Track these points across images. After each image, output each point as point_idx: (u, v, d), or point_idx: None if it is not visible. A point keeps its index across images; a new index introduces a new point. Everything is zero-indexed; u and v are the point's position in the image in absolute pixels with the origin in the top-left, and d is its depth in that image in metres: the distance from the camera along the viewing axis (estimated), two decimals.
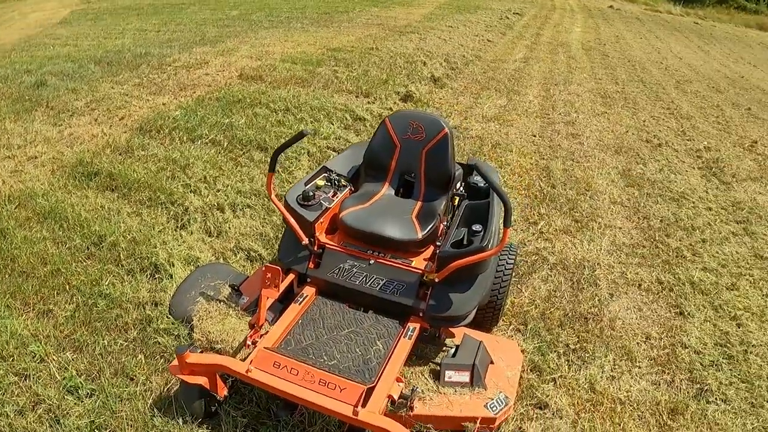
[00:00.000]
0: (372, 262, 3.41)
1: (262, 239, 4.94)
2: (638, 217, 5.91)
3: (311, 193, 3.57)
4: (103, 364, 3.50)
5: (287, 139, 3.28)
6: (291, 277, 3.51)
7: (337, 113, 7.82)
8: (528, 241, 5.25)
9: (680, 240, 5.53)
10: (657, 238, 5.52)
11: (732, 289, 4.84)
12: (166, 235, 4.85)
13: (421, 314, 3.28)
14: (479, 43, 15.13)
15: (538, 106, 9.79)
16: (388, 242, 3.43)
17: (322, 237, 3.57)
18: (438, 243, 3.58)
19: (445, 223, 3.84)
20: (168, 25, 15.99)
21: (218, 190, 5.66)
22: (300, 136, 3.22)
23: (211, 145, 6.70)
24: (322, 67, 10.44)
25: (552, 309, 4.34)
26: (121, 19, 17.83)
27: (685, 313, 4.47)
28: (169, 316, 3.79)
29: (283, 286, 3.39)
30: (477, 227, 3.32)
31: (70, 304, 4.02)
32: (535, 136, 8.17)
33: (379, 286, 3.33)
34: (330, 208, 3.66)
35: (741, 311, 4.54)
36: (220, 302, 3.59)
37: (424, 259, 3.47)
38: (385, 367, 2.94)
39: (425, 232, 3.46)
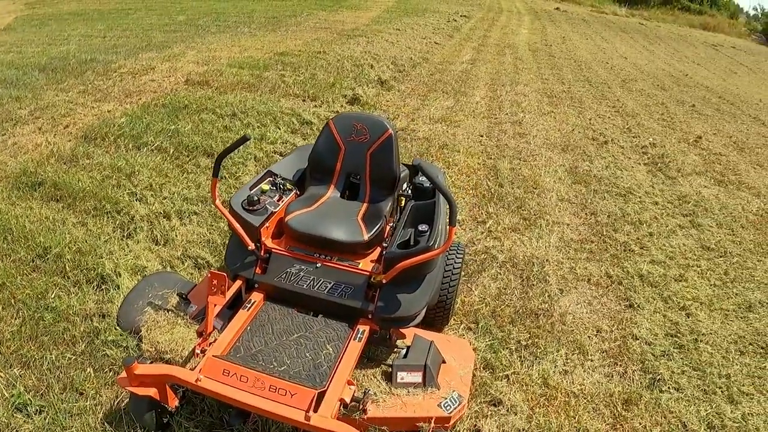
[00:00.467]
0: (319, 265, 3.35)
1: (209, 246, 4.82)
2: (586, 213, 5.94)
3: (256, 198, 3.49)
4: (52, 379, 3.40)
5: (230, 144, 3.18)
6: (238, 283, 3.42)
7: (284, 117, 7.70)
8: (477, 240, 5.22)
9: (628, 234, 5.58)
10: (605, 233, 5.55)
11: (680, 281, 4.90)
12: (112, 245, 4.71)
13: (370, 316, 3.22)
14: (426, 45, 15.18)
15: (485, 106, 9.82)
16: (334, 245, 3.37)
17: (269, 242, 3.49)
18: (384, 244, 3.53)
19: (392, 224, 3.80)
20: (114, 31, 15.63)
21: (164, 198, 5.51)
22: (243, 140, 3.16)
23: (157, 152, 6.53)
24: (269, 71, 10.30)
25: (502, 306, 4.30)
26: (66, 24, 17.36)
27: (635, 306, 4.51)
28: (117, 327, 3.68)
29: (230, 292, 3.30)
30: (423, 227, 3.27)
31: (15, 318, 3.88)
32: (482, 136, 8.17)
33: (327, 290, 3.27)
34: (275, 212, 3.58)
35: (690, 301, 4.60)
36: (168, 311, 3.46)
37: (371, 261, 3.41)
38: (335, 371, 2.88)
39: (371, 233, 3.41)
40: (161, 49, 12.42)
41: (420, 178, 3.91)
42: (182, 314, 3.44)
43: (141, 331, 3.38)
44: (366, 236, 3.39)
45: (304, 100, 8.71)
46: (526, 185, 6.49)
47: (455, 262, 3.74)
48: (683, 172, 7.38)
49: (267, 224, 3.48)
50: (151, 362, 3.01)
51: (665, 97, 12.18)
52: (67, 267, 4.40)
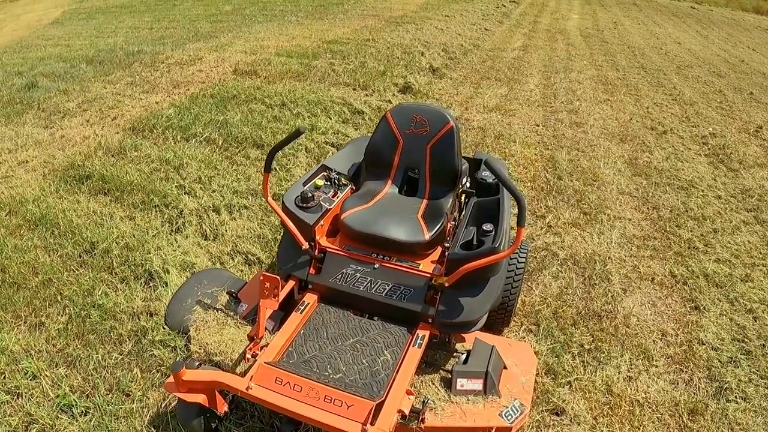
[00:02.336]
0: (377, 266, 3.22)
1: (259, 241, 4.76)
2: (647, 208, 5.75)
3: (310, 194, 3.36)
4: (98, 379, 3.35)
5: (283, 137, 3.08)
6: (291, 283, 3.30)
7: (334, 107, 7.63)
8: (536, 235, 5.08)
9: (691, 230, 5.38)
10: (668, 229, 5.36)
11: (746, 281, 4.69)
12: (160, 240, 4.67)
13: (430, 320, 3.08)
14: (477, 32, 14.92)
15: (540, 94, 9.60)
16: (393, 245, 3.23)
17: (323, 240, 3.37)
18: (446, 244, 3.39)
19: (453, 222, 3.65)
20: (161, 22, 15.79)
21: (213, 191, 5.47)
22: (297, 134, 3.00)
23: (206, 143, 6.53)
24: (318, 60, 10.24)
25: (564, 307, 4.18)
26: (113, 17, 17.62)
27: (701, 308, 4.32)
28: (165, 326, 3.60)
29: (283, 293, 3.18)
30: (488, 226, 3.11)
31: (62, 315, 3.85)
32: (538, 125, 7.99)
33: (385, 292, 3.13)
34: (330, 209, 3.46)
35: (757, 303, 4.39)
36: (217, 311, 3.42)
37: (432, 262, 3.27)
38: (394, 380, 2.76)
39: (433, 233, 3.27)
40: (208, 39, 12.49)
41: (483, 173, 3.70)
42: (232, 314, 3.41)
43: (189, 331, 3.35)
44: (427, 236, 3.24)
45: (354, 89, 8.62)
46: (585, 177, 6.31)
47: (519, 263, 3.60)
48: (745, 164, 7.09)
49: (322, 222, 3.36)
50: (200, 365, 2.93)
51: (722, 84, 11.73)
52: (114, 263, 4.37)
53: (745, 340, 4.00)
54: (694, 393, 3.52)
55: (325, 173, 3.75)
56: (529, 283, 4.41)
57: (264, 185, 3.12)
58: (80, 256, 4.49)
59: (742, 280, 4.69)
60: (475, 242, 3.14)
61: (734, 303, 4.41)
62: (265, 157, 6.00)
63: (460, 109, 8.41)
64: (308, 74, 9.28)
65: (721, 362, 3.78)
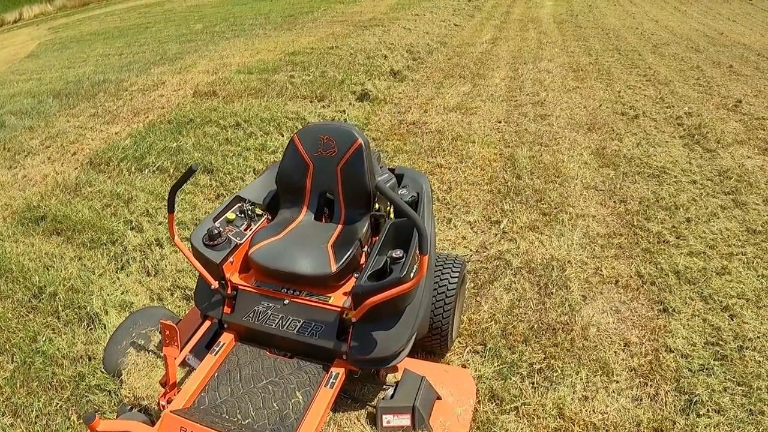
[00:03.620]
0: (287, 302, 3.00)
1: (197, 275, 4.46)
2: (614, 201, 5.39)
3: (217, 231, 3.13)
4: (39, 428, 3.33)
5: (180, 177, 2.81)
6: (208, 323, 3.17)
7: (287, 123, 7.34)
8: (489, 243, 4.73)
9: (662, 222, 5.01)
10: (636, 224, 5.00)
11: (723, 274, 4.30)
12: (104, 280, 4.62)
13: (344, 357, 2.84)
14: (445, 28, 14.61)
15: (505, 88, 9.23)
16: (300, 278, 3.01)
17: (235, 278, 3.15)
18: (357, 275, 3.10)
19: (367, 248, 3.34)
20: (131, 47, 15.74)
21: (159, 224, 5.35)
22: (190, 172, 2.77)
23: (158, 172, 6.40)
24: (278, 73, 9.97)
25: (515, 322, 3.84)
26: (86, 45, 17.58)
27: (670, 310, 3.95)
28: (103, 370, 3.57)
29: (201, 332, 3.13)
30: (398, 253, 2.82)
31: (10, 363, 3.85)
32: (500, 122, 7.62)
33: (297, 329, 2.91)
34: (241, 244, 3.22)
35: (734, 299, 4.00)
36: (149, 352, 3.31)
37: (344, 294, 3.01)
38: (302, 424, 2.55)
39: (340, 263, 2.99)
40: (173, 61, 12.33)
41: (401, 191, 3.42)
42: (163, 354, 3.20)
43: (122, 374, 3.26)
44: (334, 267, 2.98)
45: (311, 101, 8.33)
46: (546, 174, 5.94)
47: (450, 282, 3.29)
48: (723, 143, 6.69)
49: (231, 258, 3.13)
50: (132, 409, 2.93)
51: (700, 59, 11.34)
52: (59, 306, 4.34)
53: (720, 342, 3.63)
54: (659, 409, 3.18)
55: (240, 204, 3.49)
56: (477, 299, 4.07)
57: (170, 226, 3.00)
58: (29, 301, 4.49)
59: (717, 274, 4.30)
60: (388, 269, 2.82)
61: (708, 300, 4.03)
62: (214, 182, 5.85)
63: (419, 111, 8.06)
64: (266, 90, 8.99)
65: (691, 371, 3.42)
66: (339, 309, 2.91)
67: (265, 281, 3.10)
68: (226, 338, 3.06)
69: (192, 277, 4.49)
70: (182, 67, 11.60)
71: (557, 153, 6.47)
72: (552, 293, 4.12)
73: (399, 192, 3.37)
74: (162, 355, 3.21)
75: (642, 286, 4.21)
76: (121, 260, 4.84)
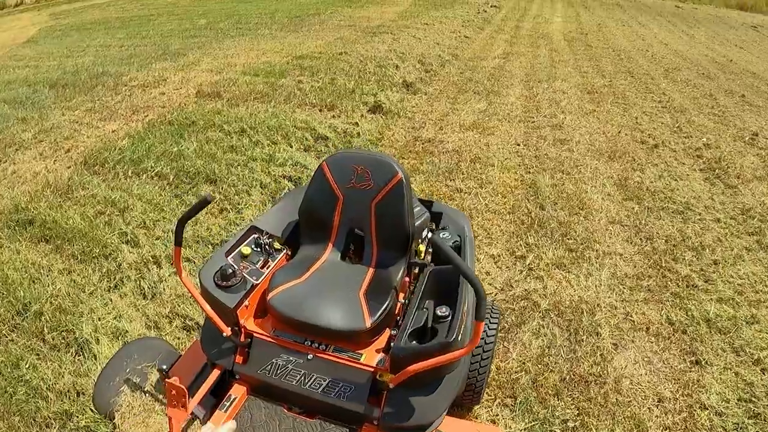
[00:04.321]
0: (311, 356, 2.61)
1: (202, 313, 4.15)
2: (640, 239, 5.15)
3: (231, 270, 2.72)
4: None
5: (191, 206, 2.45)
6: (217, 372, 2.74)
7: (296, 132, 7.01)
8: (515, 281, 4.47)
9: (690, 264, 4.79)
10: (663, 264, 4.77)
11: (752, 323, 4.10)
12: (95, 300, 4.15)
13: (375, 422, 2.49)
14: (456, 40, 14.35)
15: (521, 108, 8.98)
16: (328, 333, 2.62)
17: (250, 323, 2.76)
18: (393, 331, 2.75)
19: (403, 298, 2.99)
20: (133, 39, 15.35)
21: (157, 238, 4.92)
22: (204, 203, 2.39)
23: (157, 179, 5.98)
24: (285, 78, 9.67)
25: (546, 372, 3.57)
26: (87, 34, 17.15)
27: (702, 362, 3.73)
28: (93, 409, 3.17)
29: (209, 381, 2.69)
30: (443, 310, 2.48)
31: None
32: (519, 144, 7.36)
33: (321, 388, 2.53)
34: (258, 284, 2.82)
35: (765, 351, 3.81)
36: (146, 393, 2.99)
37: (377, 351, 2.65)
38: None
39: (376, 317, 2.62)
40: (176, 57, 11.98)
41: (443, 233, 3.06)
42: (162, 396, 2.97)
43: (115, 416, 2.94)
44: (368, 322, 2.60)
45: (320, 110, 8.03)
46: (570, 206, 5.69)
47: (488, 335, 3.00)
48: (743, 179, 6.50)
49: (247, 302, 2.74)
50: None
51: (712, 87, 11.18)
52: (45, 328, 3.88)
53: (753, 399, 3.43)
54: None
55: (255, 236, 3.09)
56: (505, 344, 3.81)
57: (176, 261, 2.54)
58: (12, 319, 4.03)
59: (747, 323, 4.10)
60: (429, 325, 2.53)
61: (740, 353, 3.83)
62: (217, 194, 5.50)
63: (434, 129, 7.78)
64: (273, 94, 8.69)
65: (725, 430, 3.22)
66: (372, 369, 2.55)
67: (286, 331, 2.72)
68: (238, 391, 2.68)
69: (193, 306, 4.12)
70: (185, 65, 11.27)
71: (580, 182, 6.23)
72: (582, 340, 3.87)
73: (441, 236, 3.01)
74: (159, 396, 2.98)
75: (673, 335, 3.98)
76: (115, 278, 4.41)
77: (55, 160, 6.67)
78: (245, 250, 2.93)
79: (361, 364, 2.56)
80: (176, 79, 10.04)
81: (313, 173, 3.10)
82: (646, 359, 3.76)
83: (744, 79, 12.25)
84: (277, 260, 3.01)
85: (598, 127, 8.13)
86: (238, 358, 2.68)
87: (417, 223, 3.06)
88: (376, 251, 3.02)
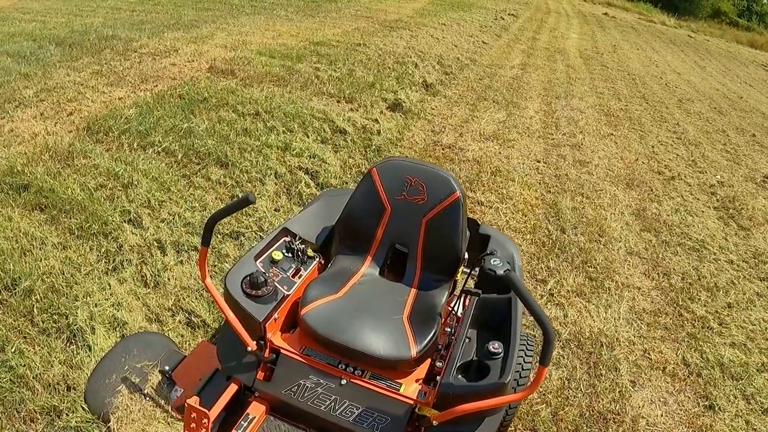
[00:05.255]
0: (344, 382, 2.41)
1: (206, 298, 3.90)
2: (658, 273, 5.08)
3: (262, 278, 2.48)
4: None
5: (228, 204, 2.26)
6: (234, 387, 2.51)
7: (314, 123, 6.83)
8: None
9: (705, 305, 4.75)
10: (680, 303, 4.71)
11: (763, 371, 4.10)
12: (91, 282, 3.86)
13: None
14: (474, 45, 14.20)
15: (540, 123, 8.88)
16: (368, 359, 2.42)
17: (277, 337, 2.54)
18: (439, 364, 2.56)
19: (449, 327, 2.80)
20: (145, 5, 14.97)
21: (162, 221, 4.63)
22: (244, 202, 2.15)
23: (164, 155, 5.68)
24: (302, 63, 9.46)
25: (566, 407, 3.48)
26: None
27: (715, 407, 3.71)
28: (85, 406, 2.91)
29: (225, 397, 2.45)
30: (495, 346, 2.32)
31: None
32: (539, 161, 7.25)
33: (353, 417, 2.33)
34: (289, 296, 2.61)
35: None
36: (145, 396, 2.80)
37: (417, 380, 2.46)
38: None
39: (422, 346, 2.43)
40: (189, 28, 11.67)
41: (493, 261, 2.71)
42: (163, 401, 2.79)
43: (111, 419, 2.71)
44: (414, 350, 2.40)
45: (338, 101, 7.85)
46: (590, 231, 5.60)
47: (523, 368, 2.81)
48: (755, 221, 6.48)
49: (276, 315, 2.52)
50: None
51: (724, 123, 11.18)
52: (35, 308, 3.58)
53: None
54: None
55: (286, 239, 2.84)
56: None
57: (201, 263, 2.31)
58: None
59: (758, 371, 4.10)
60: (475, 357, 2.38)
61: (750, 401, 3.82)
62: (228, 179, 5.28)
63: (454, 135, 7.64)
64: (290, 79, 8.48)
65: None
66: (412, 402, 2.36)
67: (317, 350, 2.51)
68: (256, 410, 2.43)
69: (200, 299, 3.87)
70: (198, 37, 10.99)
71: (599, 208, 6.13)
72: (602, 375, 3.78)
73: (493, 262, 2.69)
74: (161, 401, 2.78)
75: (688, 377, 3.93)
76: (114, 260, 4.10)
77: (56, 122, 6.34)
78: (276, 255, 2.72)
79: (400, 395, 2.38)
80: (188, 51, 9.75)
81: (362, 177, 2.90)
82: (662, 400, 3.70)
83: (754, 118, 12.27)
84: (309, 269, 2.80)
85: (616, 152, 8.05)
86: (260, 374, 2.47)
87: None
88: (420, 271, 2.83)
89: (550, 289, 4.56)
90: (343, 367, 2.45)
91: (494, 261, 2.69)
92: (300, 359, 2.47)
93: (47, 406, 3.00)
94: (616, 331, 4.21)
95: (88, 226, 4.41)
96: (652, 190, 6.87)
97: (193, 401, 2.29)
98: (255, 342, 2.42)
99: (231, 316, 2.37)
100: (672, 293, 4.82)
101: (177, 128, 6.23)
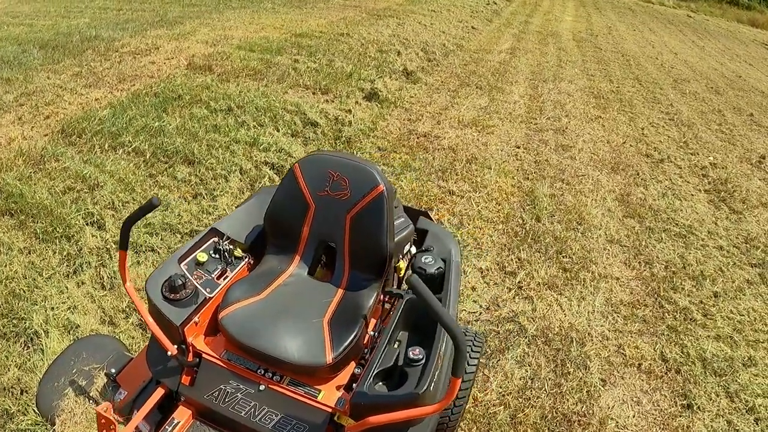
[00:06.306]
0: (263, 387, 2.27)
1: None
2: (639, 262, 4.83)
3: (180, 281, 2.37)
4: None
5: (137, 209, 2.09)
6: (161, 391, 2.40)
7: (285, 116, 6.61)
8: (502, 300, 4.13)
9: (689, 295, 4.48)
10: (661, 293, 4.45)
11: (749, 366, 3.83)
12: (51, 286, 3.80)
13: None
14: (463, 30, 13.92)
15: (525, 107, 8.61)
16: (283, 364, 2.28)
17: (200, 341, 2.42)
18: (357, 370, 2.39)
19: (374, 329, 2.63)
20: (132, 3, 14.87)
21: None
22: (150, 207, 2.07)
23: (134, 155, 5.56)
24: (282, 55, 9.23)
25: (527, 408, 3.25)
26: None
27: (694, 406, 3.45)
28: (36, 410, 2.88)
29: (153, 400, 2.37)
30: (416, 353, 2.14)
31: None
32: (519, 147, 6.99)
33: (273, 423, 2.19)
34: (212, 298, 2.47)
35: (760, 398, 3.55)
36: (90, 399, 2.72)
37: (338, 388, 2.30)
38: None
39: (339, 352, 2.27)
40: (173, 25, 11.50)
41: (424, 258, 2.62)
42: (109, 402, 2.57)
43: (56, 422, 2.66)
44: (330, 357, 2.25)
45: (314, 93, 7.63)
46: (568, 219, 5.34)
47: (469, 362, 2.69)
48: (749, 204, 6.20)
49: (196, 318, 2.38)
50: None
51: (720, 102, 10.86)
52: None
53: None
54: None
55: (215, 240, 2.70)
56: (485, 372, 3.48)
57: (121, 267, 2.24)
58: None
59: (744, 365, 3.83)
60: (399, 363, 2.18)
61: (734, 398, 3.56)
62: (194, 177, 5.15)
63: (431, 122, 7.40)
64: (267, 72, 8.26)
65: None
66: (329, 409, 2.22)
67: (238, 354, 2.39)
68: (182, 414, 2.33)
69: None
70: (180, 33, 10.80)
71: (580, 194, 5.88)
72: (569, 373, 3.55)
73: (424, 260, 2.60)
74: (105, 402, 2.58)
75: (666, 374, 3.68)
76: (74, 263, 4.04)
77: (32, 127, 6.24)
78: (201, 256, 2.57)
79: (318, 402, 2.23)
80: (169, 48, 9.58)
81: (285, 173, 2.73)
82: (635, 399, 3.46)
83: (753, 97, 11.94)
84: (236, 270, 2.65)
85: (603, 135, 7.78)
86: (185, 379, 2.35)
87: (398, 238, 2.69)
88: (348, 271, 2.66)
89: (519, 282, 4.33)
90: (262, 372, 2.32)
91: (425, 259, 2.58)
92: (221, 364, 2.36)
93: (0, 409, 2.99)
94: (588, 326, 3.97)
95: (53, 230, 4.35)
96: (638, 174, 6.61)
97: (103, 408, 2.31)
98: (177, 346, 2.33)
99: (150, 321, 2.32)
100: (653, 283, 4.57)
101: (148, 127, 6.08)
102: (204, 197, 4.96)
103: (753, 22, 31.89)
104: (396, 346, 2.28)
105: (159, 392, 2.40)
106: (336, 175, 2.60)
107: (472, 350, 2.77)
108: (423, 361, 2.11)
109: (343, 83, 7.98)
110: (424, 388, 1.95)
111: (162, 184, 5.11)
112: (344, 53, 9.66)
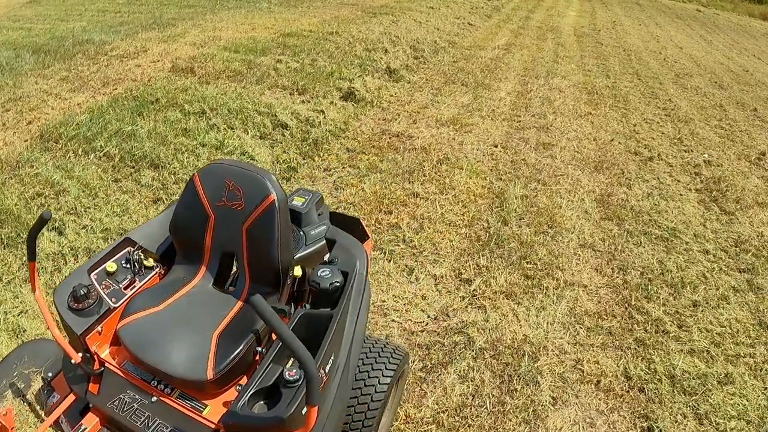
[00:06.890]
0: (155, 399, 2.26)
1: None
2: (612, 268, 4.54)
3: (83, 291, 2.33)
4: None
5: (35, 222, 2.13)
6: (72, 398, 2.42)
7: (255, 117, 6.43)
8: (452, 310, 3.87)
9: (664, 304, 4.18)
10: (633, 303, 4.16)
11: (725, 383, 3.50)
12: (8, 291, 3.90)
13: None
14: (459, 27, 13.66)
15: (509, 104, 8.32)
16: (168, 378, 2.25)
17: (104, 351, 2.43)
18: (238, 387, 2.30)
19: (264, 346, 2.46)
20: (131, 5, 15.02)
21: (83, 227, 4.57)
22: (41, 221, 2.11)
23: (105, 159, 5.55)
24: (266, 56, 9.07)
25: (462, 427, 3.02)
26: None
27: (656, 429, 3.15)
28: None
29: (63, 406, 2.41)
30: (292, 374, 2.03)
31: None
32: (496, 146, 6.70)
33: None
34: (116, 308, 2.44)
35: (733, 421, 3.24)
36: (25, 402, 2.80)
37: (224, 404, 2.24)
38: None
39: (221, 368, 2.18)
40: (165, 27, 11.48)
41: (320, 272, 2.45)
42: (39, 407, 2.81)
43: None
44: (211, 372, 2.17)
45: (291, 93, 7.44)
46: (538, 222, 5.06)
47: (379, 383, 2.54)
48: (743, 204, 5.85)
49: (99, 328, 2.39)
50: None
51: (724, 97, 10.48)
52: None
53: None
54: None
55: (128, 250, 2.64)
56: (422, 386, 3.25)
57: (31, 276, 2.32)
58: None
59: (720, 383, 3.51)
60: (280, 382, 2.06)
61: (703, 421, 3.24)
62: (158, 182, 5.16)
63: (407, 122, 7.15)
64: (247, 74, 8.10)
65: None
66: (212, 426, 2.14)
67: (135, 365, 2.37)
68: (90, 421, 2.32)
69: None
70: (170, 36, 10.73)
71: (555, 195, 5.59)
72: (516, 390, 3.29)
73: (320, 273, 2.44)
74: (39, 406, 2.77)
75: (627, 392, 3.40)
76: None
77: (14, 132, 6.29)
78: (110, 266, 2.55)
79: (202, 417, 2.20)
80: (157, 51, 9.52)
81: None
82: (588, 420, 3.20)
83: (759, 91, 11.53)
84: (145, 280, 2.61)
85: (590, 132, 7.48)
86: (92, 387, 2.37)
87: (311, 250, 2.66)
88: (248, 282, 2.56)
89: (473, 290, 4.07)
90: (156, 384, 2.33)
91: (322, 272, 2.45)
92: (120, 374, 2.39)
93: None
94: (545, 338, 3.70)
95: (17, 235, 4.41)
96: (623, 173, 6.30)
97: (2, 413, 2.43)
98: (81, 355, 2.35)
99: (54, 329, 2.36)
100: (625, 291, 4.29)
101: (121, 132, 6.04)
102: (164, 201, 4.89)
103: (765, 15, 31.26)
104: (291, 363, 2.19)
105: (70, 399, 2.42)
106: (231, 185, 2.52)
107: (386, 366, 2.61)
108: (299, 382, 2.01)
109: (321, 83, 7.79)
110: (290, 411, 1.87)
111: (125, 189, 5.09)
112: (329, 52, 9.47)
